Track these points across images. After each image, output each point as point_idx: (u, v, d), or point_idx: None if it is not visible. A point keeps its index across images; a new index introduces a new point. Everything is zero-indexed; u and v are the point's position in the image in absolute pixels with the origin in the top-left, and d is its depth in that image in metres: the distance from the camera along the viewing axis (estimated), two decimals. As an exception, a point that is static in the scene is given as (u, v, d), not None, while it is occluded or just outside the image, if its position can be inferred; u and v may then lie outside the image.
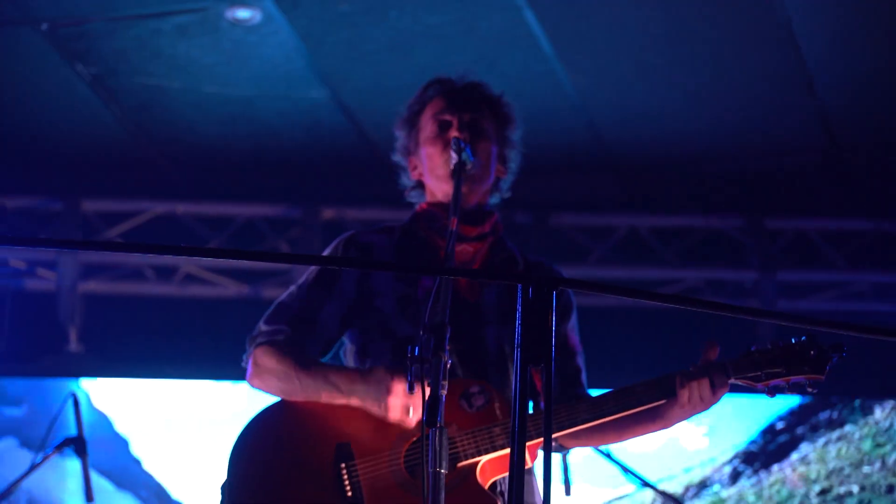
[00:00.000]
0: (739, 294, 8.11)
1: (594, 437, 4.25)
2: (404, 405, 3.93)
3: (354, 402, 4.02)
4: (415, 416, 3.88)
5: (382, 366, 4.03)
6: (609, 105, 7.34)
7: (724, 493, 8.47)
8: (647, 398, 4.03)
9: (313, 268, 4.38)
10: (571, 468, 5.51)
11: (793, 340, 4.06)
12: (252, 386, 4.18)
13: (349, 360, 4.27)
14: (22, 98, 7.46)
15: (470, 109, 4.25)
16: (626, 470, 6.03)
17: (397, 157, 4.39)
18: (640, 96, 7.29)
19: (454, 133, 4.15)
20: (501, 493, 3.97)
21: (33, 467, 6.34)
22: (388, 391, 3.94)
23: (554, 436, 3.99)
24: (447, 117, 4.24)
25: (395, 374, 3.91)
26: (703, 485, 8.53)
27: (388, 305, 4.20)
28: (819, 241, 8.06)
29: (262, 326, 4.21)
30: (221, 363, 7.73)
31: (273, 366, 4.14)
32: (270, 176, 7.93)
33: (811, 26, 6.58)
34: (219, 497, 4.04)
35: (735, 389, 4.11)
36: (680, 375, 4.00)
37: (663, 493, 6.30)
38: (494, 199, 4.34)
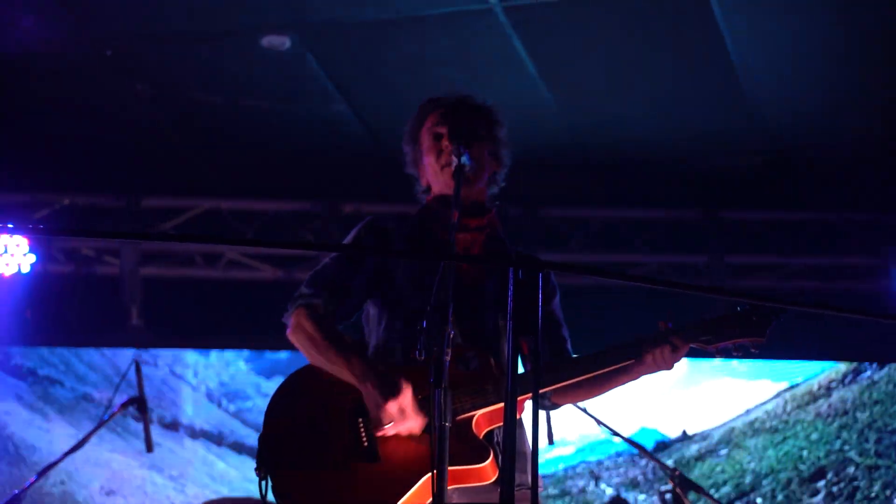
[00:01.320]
0: (694, 275, 8.13)
1: (575, 393, 4.24)
2: (399, 409, 3.88)
3: (364, 389, 3.98)
4: (403, 420, 3.88)
5: (400, 370, 3.97)
6: (584, 115, 7.34)
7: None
8: (618, 359, 4.05)
9: (338, 251, 4.39)
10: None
11: (738, 310, 4.07)
12: (290, 339, 4.15)
13: (370, 324, 4.26)
14: (90, 111, 7.43)
15: (462, 118, 4.24)
16: (599, 423, 6.03)
17: (409, 170, 4.36)
18: (610, 107, 7.29)
19: (445, 142, 4.16)
20: (498, 443, 3.96)
21: (101, 423, 6.34)
22: (389, 396, 3.90)
23: (540, 391, 3.97)
24: (440, 129, 4.22)
25: (404, 380, 3.89)
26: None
27: (401, 282, 4.18)
28: (761, 229, 8.07)
29: (304, 289, 4.20)
30: (258, 335, 7.77)
31: (310, 330, 4.13)
32: (298, 177, 7.93)
33: (745, 46, 6.57)
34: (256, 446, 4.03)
35: (691, 353, 4.12)
36: (645, 340, 4.01)
37: (630, 441, 6.29)
38: (493, 190, 4.31)
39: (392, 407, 3.88)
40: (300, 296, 4.17)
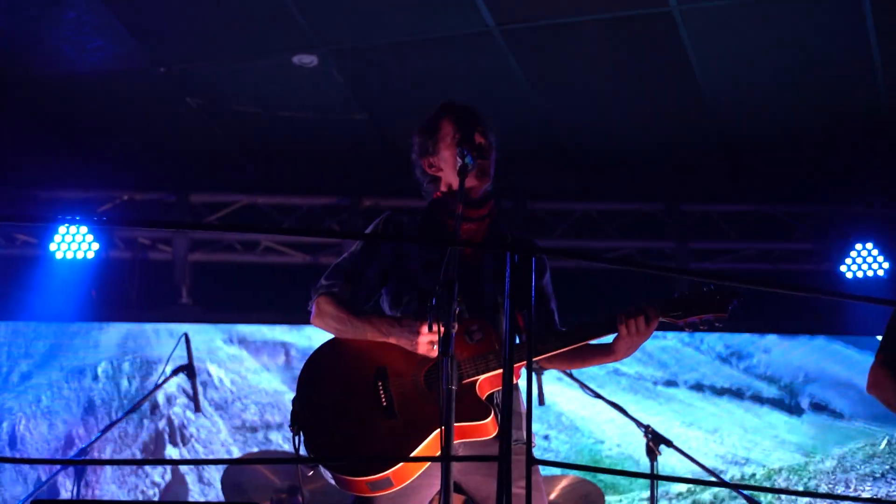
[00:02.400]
0: (662, 258, 8.12)
1: (564, 362, 4.25)
2: (429, 342, 3.93)
3: (392, 340, 4.02)
4: (435, 348, 3.89)
5: (411, 315, 4.04)
6: (568, 121, 7.32)
7: None
8: (598, 331, 4.06)
9: (359, 242, 4.40)
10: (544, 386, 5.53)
11: (704, 289, 4.08)
12: (314, 324, 4.19)
13: (386, 305, 4.27)
14: (148, 120, 7.47)
15: (472, 127, 4.25)
16: (583, 386, 6.00)
17: (413, 157, 4.35)
18: (589, 114, 7.29)
19: (462, 144, 4.16)
20: (497, 404, 3.97)
21: (157, 387, 6.34)
22: (417, 333, 3.95)
23: (534, 360, 3.99)
24: (457, 134, 4.22)
25: (422, 322, 3.92)
26: None
27: (415, 267, 4.20)
28: (718, 219, 8.07)
29: (323, 281, 4.22)
30: (289, 311, 7.76)
31: (331, 311, 4.15)
32: (324, 175, 7.96)
33: (705, 55, 6.57)
34: (291, 408, 4.05)
35: (662, 327, 4.11)
36: (621, 313, 4.01)
37: (608, 402, 6.24)
38: (489, 187, 4.31)
39: (424, 340, 3.92)
40: (320, 286, 4.21)
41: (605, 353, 4.15)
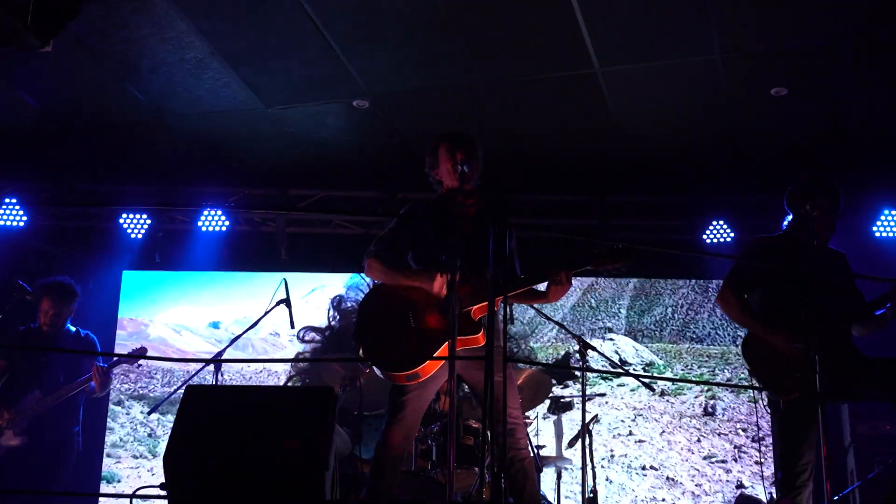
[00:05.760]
0: (589, 231, 8.04)
1: (522, 299, 4.24)
2: (441, 285, 3.91)
3: (416, 284, 4.00)
4: (444, 290, 3.88)
5: (431, 269, 4.03)
6: (530, 146, 7.28)
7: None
8: (538, 278, 4.08)
9: (394, 221, 4.38)
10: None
11: (614, 247, 4.11)
12: (366, 275, 4.21)
13: (413, 262, 4.34)
14: (258, 143, 7.41)
15: (465, 147, 4.21)
16: (543, 314, 5.93)
17: (426, 169, 4.40)
18: (544, 137, 7.18)
19: (458, 157, 4.12)
20: (484, 323, 3.95)
21: (266, 313, 6.29)
22: (433, 280, 3.96)
23: (507, 294, 3.98)
24: (456, 155, 4.17)
25: (439, 274, 3.93)
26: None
27: (431, 239, 4.20)
28: (625, 205, 8.01)
29: (372, 247, 4.26)
30: (350, 265, 7.77)
31: (377, 266, 4.17)
32: (372, 178, 7.98)
33: (617, 100, 6.50)
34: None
35: (591, 274, 4.08)
36: (550, 269, 4.06)
37: (553, 320, 6.18)
38: (476, 184, 4.31)
39: (438, 284, 3.96)
40: (369, 252, 4.24)
41: (544, 296, 4.14)
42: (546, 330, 8.05)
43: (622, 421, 7.67)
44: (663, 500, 7.35)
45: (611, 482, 7.44)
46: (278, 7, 5.44)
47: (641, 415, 7.64)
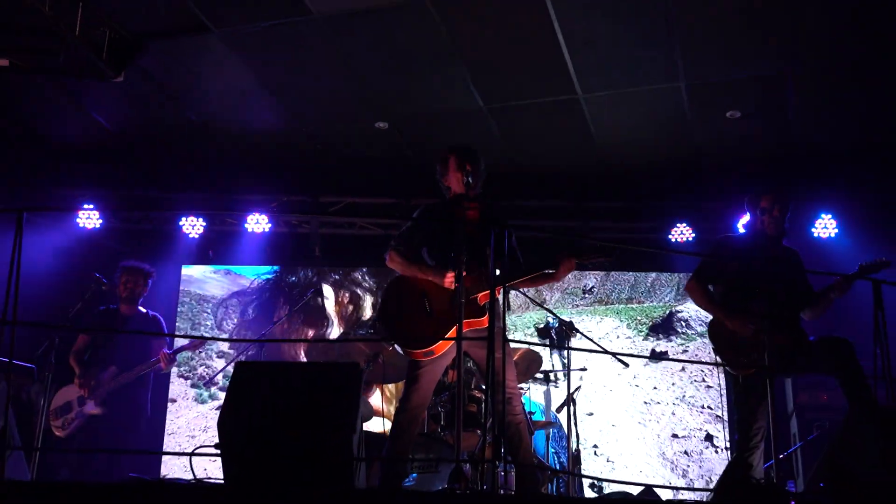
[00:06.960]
0: (572, 232, 7.91)
1: (533, 283, 4.20)
2: (451, 280, 3.88)
3: (430, 277, 4.00)
4: (452, 284, 3.93)
5: (442, 265, 4.01)
6: (526, 161, 7.19)
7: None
8: (543, 266, 4.07)
9: (410, 222, 4.36)
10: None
11: (598, 244, 4.12)
12: (388, 266, 4.16)
13: (427, 258, 4.32)
14: (291, 159, 7.37)
15: (465, 159, 4.19)
16: (537, 303, 5.90)
17: (437, 177, 4.39)
18: (536, 155, 7.13)
19: (466, 168, 4.08)
20: (487, 309, 3.93)
21: (304, 300, 6.29)
22: (444, 274, 3.94)
23: (507, 284, 3.97)
24: (465, 166, 4.14)
25: (450, 270, 3.92)
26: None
27: (441, 238, 4.20)
28: (602, 210, 7.87)
29: (392, 242, 4.23)
30: (372, 260, 7.70)
31: (397, 260, 4.15)
32: (390, 187, 7.92)
33: (598, 121, 6.44)
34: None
35: (579, 267, 4.06)
36: (553, 259, 4.03)
37: (546, 308, 6.14)
38: (479, 191, 4.29)
39: (448, 278, 3.92)
40: (390, 245, 4.20)
41: (553, 277, 4.08)
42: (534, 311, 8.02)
43: (603, 385, 7.63)
44: (640, 437, 7.34)
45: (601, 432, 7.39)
46: (311, 49, 5.50)
47: (620, 374, 7.58)
